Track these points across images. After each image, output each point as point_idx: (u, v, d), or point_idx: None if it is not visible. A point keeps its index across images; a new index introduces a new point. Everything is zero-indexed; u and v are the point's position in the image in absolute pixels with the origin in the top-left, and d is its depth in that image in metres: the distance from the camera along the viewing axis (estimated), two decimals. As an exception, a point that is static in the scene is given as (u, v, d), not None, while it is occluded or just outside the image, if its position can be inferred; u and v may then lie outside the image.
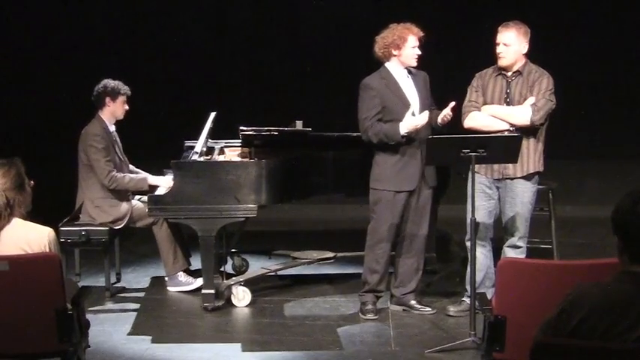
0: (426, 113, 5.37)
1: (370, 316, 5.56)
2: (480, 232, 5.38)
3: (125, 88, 6.20)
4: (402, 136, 5.36)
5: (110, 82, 6.16)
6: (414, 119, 5.35)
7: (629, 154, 9.03)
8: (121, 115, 6.21)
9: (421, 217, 5.59)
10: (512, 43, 5.32)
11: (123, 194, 6.15)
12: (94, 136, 6.05)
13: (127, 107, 6.21)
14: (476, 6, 8.88)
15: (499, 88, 5.40)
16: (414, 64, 5.50)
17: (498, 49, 5.35)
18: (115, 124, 6.22)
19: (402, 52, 5.44)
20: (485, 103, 5.41)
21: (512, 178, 5.37)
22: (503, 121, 5.32)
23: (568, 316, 2.62)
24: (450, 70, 7.41)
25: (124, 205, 6.13)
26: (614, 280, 2.65)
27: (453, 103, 5.35)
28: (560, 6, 8.94)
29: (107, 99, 6.14)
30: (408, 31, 5.43)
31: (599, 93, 9.04)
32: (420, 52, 5.46)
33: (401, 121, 5.37)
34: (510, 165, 5.30)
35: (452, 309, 5.58)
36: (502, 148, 5.06)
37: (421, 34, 5.46)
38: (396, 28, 5.45)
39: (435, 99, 5.63)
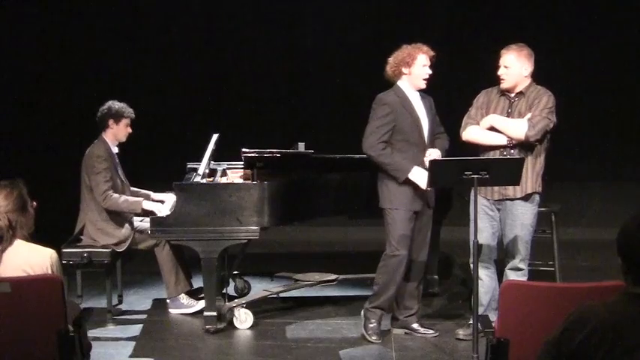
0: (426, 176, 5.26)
1: (374, 338, 5.50)
2: (484, 254, 5.36)
3: (129, 111, 6.19)
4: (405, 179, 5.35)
5: (114, 105, 6.16)
6: (422, 178, 5.27)
7: (632, 176, 9.03)
8: (123, 138, 6.21)
9: (424, 240, 5.57)
10: (512, 66, 5.35)
11: (124, 216, 6.14)
12: (96, 157, 6.05)
13: (130, 130, 6.20)
14: (479, 27, 8.94)
15: (501, 108, 5.41)
16: (423, 85, 5.49)
17: (499, 72, 5.39)
18: (117, 145, 6.24)
19: (412, 71, 5.44)
20: None
21: (511, 199, 5.37)
22: (501, 132, 5.33)
23: (571, 334, 2.61)
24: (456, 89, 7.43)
25: (127, 228, 6.12)
26: (617, 300, 2.64)
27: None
28: (567, 28, 8.98)
29: (110, 121, 6.14)
30: (418, 49, 5.46)
31: (603, 115, 9.05)
32: (430, 72, 5.47)
33: (409, 141, 5.39)
34: (510, 186, 5.30)
35: (461, 332, 5.52)
36: (504, 170, 5.05)
37: (432, 53, 5.47)
38: (407, 47, 5.49)
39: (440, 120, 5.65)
